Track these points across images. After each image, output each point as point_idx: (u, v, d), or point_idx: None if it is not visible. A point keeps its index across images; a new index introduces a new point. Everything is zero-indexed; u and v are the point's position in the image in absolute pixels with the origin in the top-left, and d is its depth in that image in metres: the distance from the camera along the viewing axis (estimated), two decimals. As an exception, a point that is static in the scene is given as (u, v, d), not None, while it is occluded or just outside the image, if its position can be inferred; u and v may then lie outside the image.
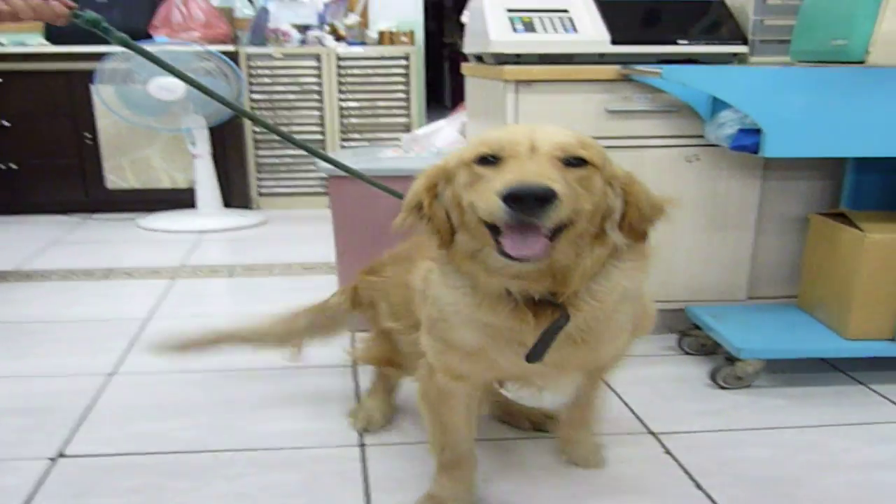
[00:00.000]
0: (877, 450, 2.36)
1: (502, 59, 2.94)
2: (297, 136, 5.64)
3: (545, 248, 1.51)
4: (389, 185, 3.01)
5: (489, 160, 1.57)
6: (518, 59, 2.93)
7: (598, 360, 1.91)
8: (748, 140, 2.48)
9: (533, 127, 1.63)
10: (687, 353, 3.05)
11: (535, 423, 2.46)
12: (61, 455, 2.33)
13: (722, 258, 3.10)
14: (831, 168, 3.03)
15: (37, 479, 2.19)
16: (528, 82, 2.83)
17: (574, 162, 1.57)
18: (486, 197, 1.50)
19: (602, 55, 2.95)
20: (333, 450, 2.32)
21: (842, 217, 2.79)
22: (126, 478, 2.20)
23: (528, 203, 1.43)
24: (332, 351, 3.01)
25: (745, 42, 3.03)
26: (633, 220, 1.69)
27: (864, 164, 2.90)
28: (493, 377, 2.03)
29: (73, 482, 2.19)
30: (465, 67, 3.57)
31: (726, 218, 3.04)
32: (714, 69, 2.82)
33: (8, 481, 2.19)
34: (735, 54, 3.06)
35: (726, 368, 2.74)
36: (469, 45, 3.41)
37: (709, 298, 3.13)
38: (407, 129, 5.62)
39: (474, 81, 3.50)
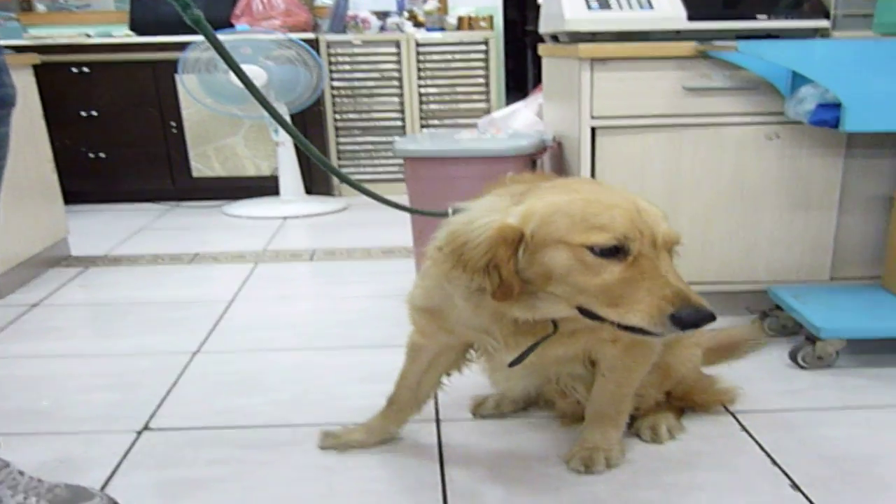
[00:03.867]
0: (963, 430, 2.31)
1: (577, 38, 2.93)
2: (377, 123, 5.78)
3: None
4: (465, 166, 3.04)
5: (608, 250, 1.56)
6: (593, 37, 2.91)
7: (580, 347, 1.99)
8: (828, 115, 2.43)
9: (636, 204, 1.63)
10: (768, 335, 3.00)
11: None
12: (146, 428, 2.39)
13: (804, 238, 3.04)
14: (918, 144, 2.95)
15: (123, 450, 2.26)
16: (604, 60, 2.81)
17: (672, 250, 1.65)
18: (639, 308, 1.53)
19: (678, 32, 2.92)
20: (411, 425, 2.33)
21: (929, 194, 2.72)
22: (209, 450, 2.25)
23: (692, 326, 1.52)
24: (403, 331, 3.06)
25: (826, 16, 2.97)
26: None
27: (951, 139, 2.83)
28: (457, 340, 2.07)
29: (158, 453, 2.25)
30: (542, 48, 3.55)
31: (808, 197, 2.98)
32: (793, 43, 2.76)
33: (95, 452, 2.25)
34: (816, 30, 2.99)
35: (807, 348, 2.69)
36: (544, 25, 3.39)
37: (791, 279, 3.08)
38: (487, 114, 5.62)
39: (550, 62, 3.49)
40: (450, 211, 1.83)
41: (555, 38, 3.29)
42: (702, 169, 2.94)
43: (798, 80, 2.68)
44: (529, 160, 3.14)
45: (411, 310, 2.06)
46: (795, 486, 2.01)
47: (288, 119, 5.46)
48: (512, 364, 1.87)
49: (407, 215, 3.28)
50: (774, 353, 2.84)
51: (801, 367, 2.71)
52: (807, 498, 1.96)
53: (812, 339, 2.68)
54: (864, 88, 2.36)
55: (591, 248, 1.56)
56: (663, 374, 2.23)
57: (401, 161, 3.93)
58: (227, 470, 2.15)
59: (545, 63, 3.60)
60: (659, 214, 1.63)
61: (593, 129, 2.90)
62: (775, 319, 2.99)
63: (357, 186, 2.09)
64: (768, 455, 2.16)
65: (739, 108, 2.87)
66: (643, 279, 1.54)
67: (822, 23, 2.97)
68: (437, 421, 2.41)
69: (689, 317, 1.50)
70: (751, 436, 2.27)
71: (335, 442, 2.24)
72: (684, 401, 2.37)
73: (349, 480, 2.09)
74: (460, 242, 1.65)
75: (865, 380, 2.63)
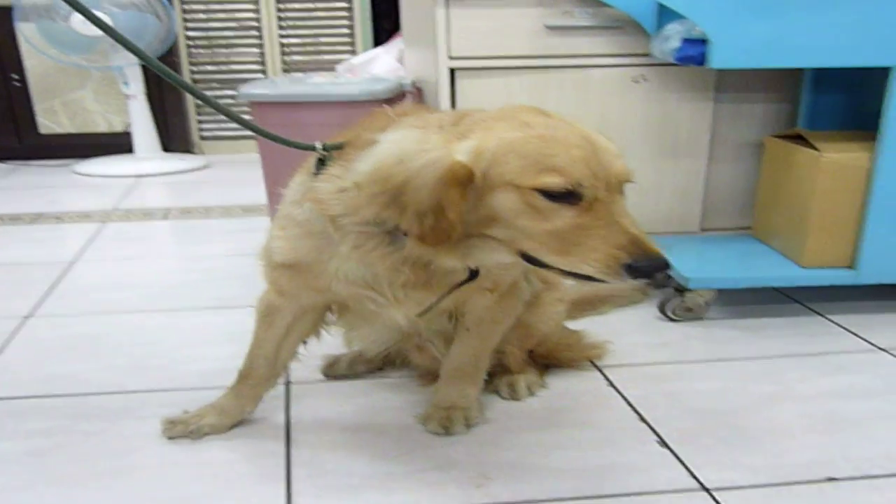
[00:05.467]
0: (833, 380, 2.25)
1: (431, -30, 2.76)
2: (236, 76, 5.53)
3: None
4: (317, 111, 2.86)
5: (559, 194, 1.40)
6: (449, -31, 2.73)
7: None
8: (694, 50, 2.32)
9: (591, 140, 1.46)
10: (638, 289, 2.90)
11: None
12: (-39, 400, 2.17)
13: (673, 187, 2.96)
14: (787, 88, 2.89)
15: (-69, 426, 2.04)
16: (461, -5, 2.65)
17: None
18: (594, 256, 1.39)
19: (539, -36, 2.76)
20: (255, 388, 2.18)
21: (798, 139, 2.64)
22: (32, 420, 2.05)
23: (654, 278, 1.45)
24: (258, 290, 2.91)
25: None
26: None
27: (821, 82, 2.76)
28: (322, 300, 1.89)
29: (-29, 427, 2.04)
30: (398, -15, 3.39)
31: (677, 144, 2.89)
32: (658, -26, 2.65)
33: None
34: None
35: (676, 300, 2.62)
36: (399, -43, 3.22)
37: (660, 230, 2.99)
38: (353, 66, 5.46)
39: (408, 1, 3.31)
40: (317, 145, 1.67)
41: (412, -26, 3.12)
42: (567, 114, 2.78)
43: (664, 17, 2.57)
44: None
45: (268, 267, 1.85)
46: (663, 442, 1.92)
47: (139, 70, 5.19)
48: (421, 315, 1.76)
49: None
50: (643, 305, 2.78)
51: (671, 320, 2.65)
52: (674, 454, 1.88)
53: (681, 291, 2.61)
54: (731, 23, 2.25)
55: (543, 192, 1.40)
56: (524, 333, 2.14)
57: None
58: (50, 442, 1.95)
59: (403, 3, 3.43)
60: (615, 152, 1.48)
61: (452, 71, 2.74)
62: (644, 271, 2.90)
63: (216, 106, 1.85)
64: (635, 410, 2.08)
65: (604, 49, 2.74)
66: (597, 226, 1.40)
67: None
68: (287, 383, 2.25)
69: (646, 266, 1.38)
70: (618, 391, 2.19)
71: (184, 429, 1.98)
72: (548, 358, 2.28)
73: (185, 450, 1.91)
74: (398, 182, 1.43)
75: (736, 331, 2.59)
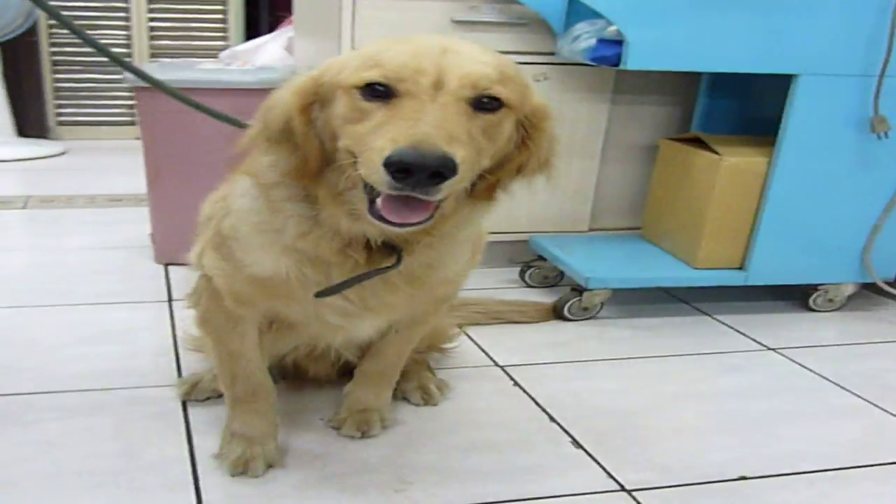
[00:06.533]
0: (731, 379, 2.32)
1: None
2: (101, 58, 5.28)
3: (430, 215, 1.25)
4: (212, 99, 2.72)
5: (378, 91, 1.22)
6: (355, -41, 2.65)
7: (424, 302, 1.69)
8: (609, 51, 2.31)
9: (444, 45, 1.27)
10: (530, 286, 2.93)
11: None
12: None
13: (566, 187, 2.95)
14: (682, 92, 2.93)
15: None
16: (367, -13, 2.57)
17: (486, 103, 1.26)
18: (368, 156, 1.18)
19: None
20: (150, 390, 2.06)
21: (694, 142, 2.68)
22: None
23: (418, 176, 1.13)
24: (144, 283, 2.76)
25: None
26: (529, 166, 1.41)
27: (716, 87, 2.81)
28: (287, 310, 1.68)
29: None
30: (295, -27, 3.28)
31: (572, 144, 2.88)
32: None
33: None
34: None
35: (574, 299, 2.61)
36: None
37: (550, 229, 2.99)
38: (226, 52, 5.30)
39: (303, -12, 3.22)
40: None
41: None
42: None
43: (572, 16, 2.56)
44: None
45: (229, 275, 1.59)
46: (577, 443, 1.92)
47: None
48: (321, 294, 1.49)
49: (138, 161, 2.93)
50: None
51: (567, 319, 2.65)
52: (589, 455, 1.88)
53: (578, 290, 2.61)
54: (650, 25, 2.25)
55: (360, 87, 1.23)
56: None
57: (129, 101, 3.52)
58: (-72, 452, 1.79)
59: (297, -12, 3.33)
60: (475, 57, 1.27)
61: (354, 64, 2.64)
62: (537, 271, 2.91)
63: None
64: (545, 411, 2.07)
65: (510, 46, 2.70)
66: (391, 121, 1.19)
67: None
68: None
69: (404, 158, 1.12)
70: (524, 391, 2.18)
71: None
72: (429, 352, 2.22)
73: (79, 457, 1.77)
74: (264, 109, 1.37)
75: (630, 331, 2.63)
